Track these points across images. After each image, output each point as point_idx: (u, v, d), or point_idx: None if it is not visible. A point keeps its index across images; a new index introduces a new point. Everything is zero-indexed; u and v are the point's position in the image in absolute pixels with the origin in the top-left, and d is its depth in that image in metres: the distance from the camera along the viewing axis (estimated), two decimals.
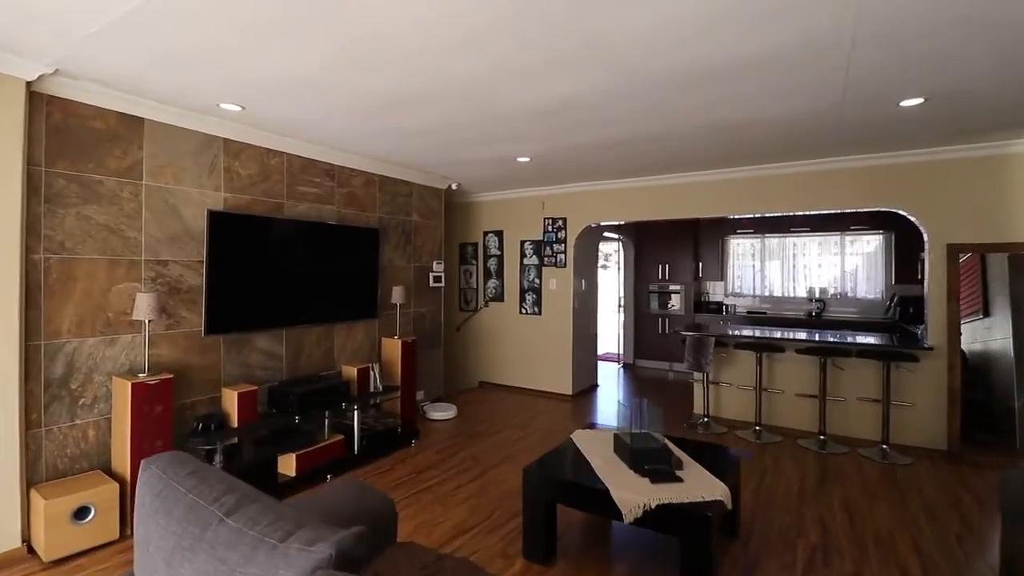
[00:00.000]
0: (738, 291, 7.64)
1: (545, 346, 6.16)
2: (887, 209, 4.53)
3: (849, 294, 6.96)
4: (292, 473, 3.56)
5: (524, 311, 6.30)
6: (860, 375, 4.55)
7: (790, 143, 4.03)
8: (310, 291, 4.19)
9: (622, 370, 7.81)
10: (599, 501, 2.50)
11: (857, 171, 4.55)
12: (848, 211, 4.76)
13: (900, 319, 6.26)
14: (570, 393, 6.03)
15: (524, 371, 6.33)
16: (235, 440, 3.41)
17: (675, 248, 7.63)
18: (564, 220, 6.00)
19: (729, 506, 2.45)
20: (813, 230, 6.98)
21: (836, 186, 4.64)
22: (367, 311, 4.74)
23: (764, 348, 4.70)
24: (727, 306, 7.56)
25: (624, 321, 8.07)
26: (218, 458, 3.27)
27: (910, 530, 3.06)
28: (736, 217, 6.75)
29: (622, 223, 6.95)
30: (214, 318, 3.51)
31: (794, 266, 7.31)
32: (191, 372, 3.47)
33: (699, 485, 2.52)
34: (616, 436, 2.97)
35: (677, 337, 7.60)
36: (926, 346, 4.24)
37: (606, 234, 7.54)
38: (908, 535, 3.00)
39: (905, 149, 4.26)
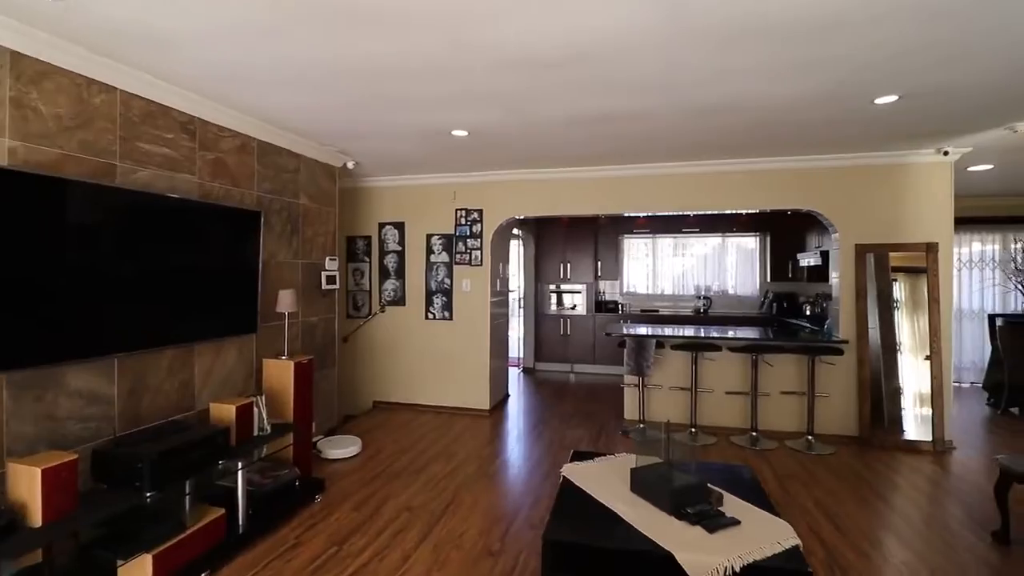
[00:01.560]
0: (633, 290, 7.70)
1: (458, 356, 5.37)
2: (803, 210, 4.71)
3: (730, 291, 7.42)
4: None
5: (432, 316, 5.42)
6: (782, 370, 4.67)
7: (746, 137, 3.88)
8: (158, 297, 2.86)
9: (522, 375, 7.33)
10: (657, 570, 1.89)
11: (776, 172, 4.65)
12: (731, 212, 4.86)
13: (777, 314, 6.81)
14: (487, 408, 5.33)
15: (432, 386, 5.45)
16: (39, 553, 2.04)
17: (577, 246, 7.39)
18: (480, 212, 5.28)
19: (802, 548, 2.03)
20: (702, 231, 7.29)
21: (758, 186, 4.70)
22: (243, 323, 3.47)
23: (700, 348, 4.57)
24: (623, 305, 7.55)
25: (524, 323, 7.61)
26: None
27: (889, 527, 3.05)
28: (633, 215, 6.72)
29: (527, 217, 6.47)
30: None
31: (683, 265, 7.58)
32: None
33: (760, 527, 2.07)
34: (635, 472, 2.40)
35: (569, 338, 7.40)
36: (842, 340, 4.47)
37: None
38: (892, 534, 2.97)
39: (822, 154, 4.44)
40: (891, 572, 2.60)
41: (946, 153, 4.24)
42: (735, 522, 2.09)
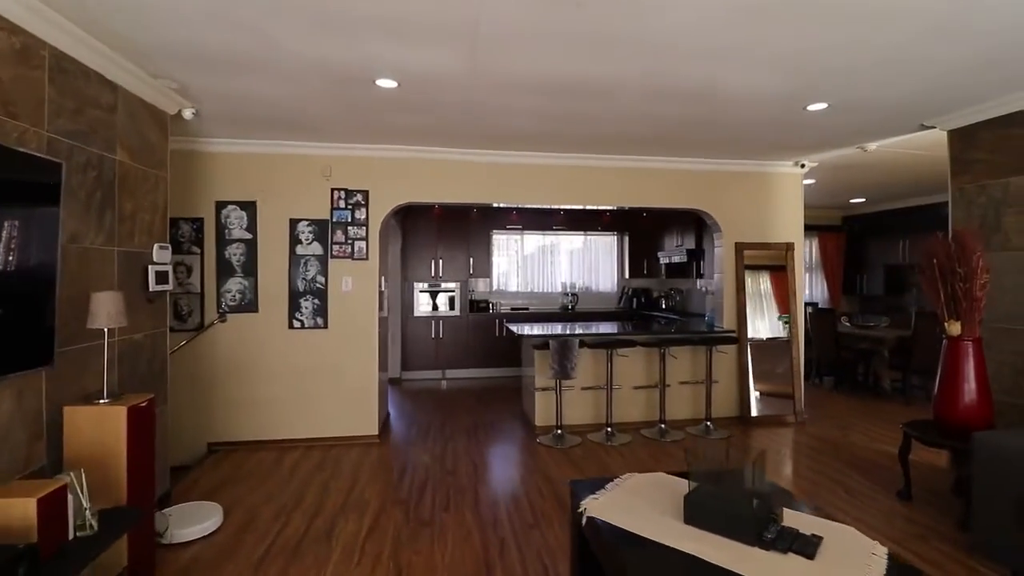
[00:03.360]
0: (503, 288, 7.38)
1: (337, 372, 4.28)
2: (691, 209, 4.96)
3: (593, 288, 7.65)
4: None
5: (298, 323, 4.22)
6: (682, 362, 4.83)
7: (669, 132, 3.84)
8: None
9: (389, 387, 6.38)
10: None
11: (673, 173, 4.82)
12: (595, 210, 4.89)
13: (636, 308, 7.24)
14: (376, 433, 4.38)
15: (300, 414, 4.25)
16: None
17: (450, 242, 6.74)
18: (365, 194, 4.29)
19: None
20: (569, 228, 7.35)
21: (656, 184, 4.81)
22: (26, 351, 2.06)
23: (617, 345, 4.44)
24: (493, 304, 7.17)
25: (390, 327, 6.64)
26: None
27: (813, 494, 3.27)
28: (503, 207, 6.38)
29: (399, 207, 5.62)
30: None
31: (551, 262, 7.56)
32: None
33: (836, 537, 1.88)
34: (691, 499, 1.99)
35: (441, 341, 6.68)
36: (729, 330, 4.81)
37: None
38: (821, 500, 3.19)
39: (709, 157, 4.71)
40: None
41: (802, 166, 4.89)
42: (819, 539, 1.86)
